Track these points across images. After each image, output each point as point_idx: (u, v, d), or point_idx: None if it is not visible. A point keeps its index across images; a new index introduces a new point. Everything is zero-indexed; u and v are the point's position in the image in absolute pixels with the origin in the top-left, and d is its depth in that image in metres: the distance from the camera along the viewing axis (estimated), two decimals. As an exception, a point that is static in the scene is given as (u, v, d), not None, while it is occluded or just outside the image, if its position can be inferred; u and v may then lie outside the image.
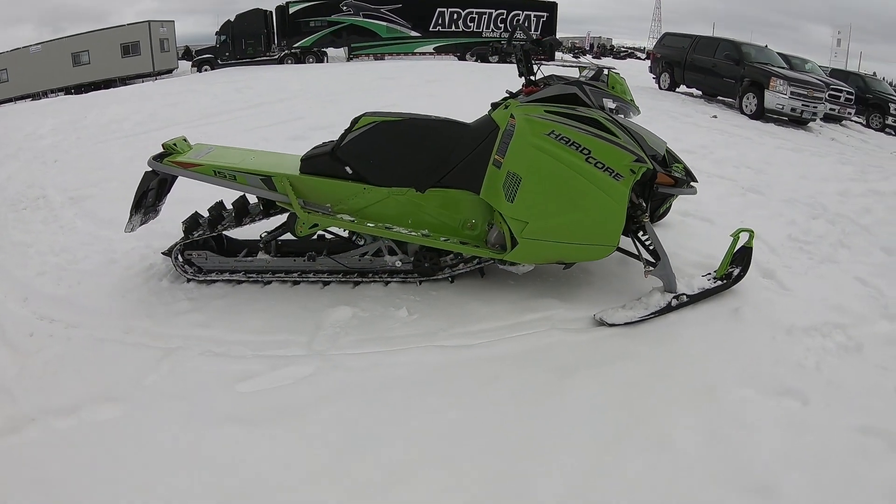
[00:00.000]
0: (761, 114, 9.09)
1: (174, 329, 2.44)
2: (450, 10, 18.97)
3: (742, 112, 9.55)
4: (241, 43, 18.38)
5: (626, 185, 2.26)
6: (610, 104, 2.31)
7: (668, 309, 2.39)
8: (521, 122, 2.28)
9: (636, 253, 2.57)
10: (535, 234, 2.31)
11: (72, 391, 2.04)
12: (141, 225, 2.68)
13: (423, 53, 19.48)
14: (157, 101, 8.93)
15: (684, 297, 2.44)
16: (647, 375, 2.04)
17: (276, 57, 18.63)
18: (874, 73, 17.53)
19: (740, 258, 2.61)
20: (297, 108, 7.69)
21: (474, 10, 19.11)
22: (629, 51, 39.00)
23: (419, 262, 2.62)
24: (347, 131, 2.51)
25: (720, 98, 11.09)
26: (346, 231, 2.73)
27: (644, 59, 27.45)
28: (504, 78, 11.18)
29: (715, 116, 8.79)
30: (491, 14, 19.20)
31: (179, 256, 2.74)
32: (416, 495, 1.60)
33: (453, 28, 19.32)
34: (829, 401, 1.97)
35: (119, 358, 2.26)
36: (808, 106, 8.64)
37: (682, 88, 12.00)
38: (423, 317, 2.38)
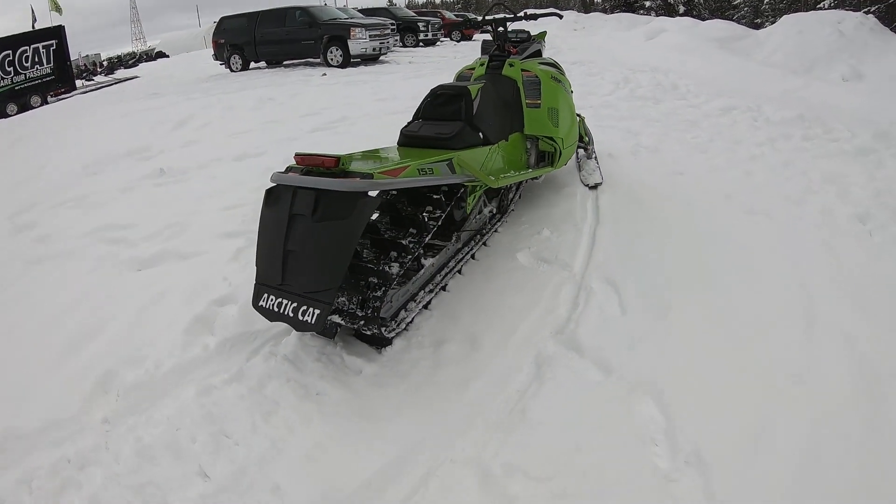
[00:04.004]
0: (348, 61, 11.02)
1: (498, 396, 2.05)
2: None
3: (329, 65, 11.24)
4: None
5: (572, 98, 3.60)
6: (544, 51, 3.62)
7: (598, 165, 3.95)
8: (541, 74, 3.21)
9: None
10: (567, 144, 3.37)
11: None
12: None
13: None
14: None
15: (595, 156, 4.17)
16: (656, 182, 3.67)
17: None
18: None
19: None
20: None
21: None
22: (135, 57, 35.67)
23: (502, 203, 3.23)
24: (467, 101, 2.67)
25: (286, 63, 12.43)
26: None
27: (151, 60, 29.20)
28: (100, 118, 9.17)
29: (325, 74, 10.14)
30: (-6, 58, 14.37)
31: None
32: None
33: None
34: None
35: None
36: (383, 43, 11.06)
37: (252, 65, 12.63)
38: (557, 234, 3.07)
